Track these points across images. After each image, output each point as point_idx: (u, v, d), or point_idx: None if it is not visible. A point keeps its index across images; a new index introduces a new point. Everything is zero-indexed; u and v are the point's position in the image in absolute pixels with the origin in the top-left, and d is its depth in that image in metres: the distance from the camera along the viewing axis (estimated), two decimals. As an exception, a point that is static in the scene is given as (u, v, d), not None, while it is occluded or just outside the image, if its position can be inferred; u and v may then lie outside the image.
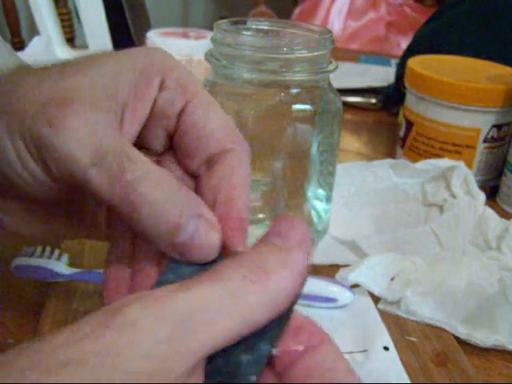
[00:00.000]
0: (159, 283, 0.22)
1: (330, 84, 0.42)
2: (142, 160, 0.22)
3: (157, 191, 0.22)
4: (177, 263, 0.22)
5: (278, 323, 0.20)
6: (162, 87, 0.25)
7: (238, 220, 0.23)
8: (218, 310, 0.18)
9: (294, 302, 0.21)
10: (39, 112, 0.22)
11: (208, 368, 0.19)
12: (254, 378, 0.19)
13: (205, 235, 0.22)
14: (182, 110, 0.25)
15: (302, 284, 0.20)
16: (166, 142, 0.26)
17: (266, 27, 0.43)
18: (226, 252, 0.23)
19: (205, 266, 0.22)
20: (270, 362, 0.20)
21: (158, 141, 0.26)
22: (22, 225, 0.27)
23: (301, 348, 0.20)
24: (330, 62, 0.41)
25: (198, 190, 0.25)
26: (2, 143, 0.22)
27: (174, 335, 0.17)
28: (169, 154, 0.27)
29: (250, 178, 0.25)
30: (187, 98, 0.25)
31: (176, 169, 0.26)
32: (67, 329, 0.17)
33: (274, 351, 0.20)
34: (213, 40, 0.40)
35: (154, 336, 0.17)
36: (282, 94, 0.39)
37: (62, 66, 0.24)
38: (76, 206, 0.27)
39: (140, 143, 0.26)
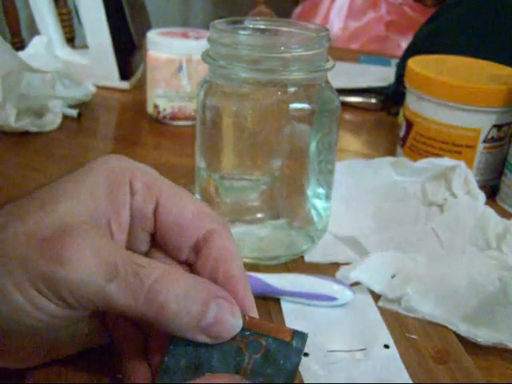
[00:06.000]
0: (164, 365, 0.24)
1: (327, 82, 0.42)
2: (151, 262, 0.23)
3: (179, 286, 0.23)
4: (179, 341, 0.24)
5: None
6: (132, 192, 0.26)
7: (244, 294, 0.25)
8: None
9: None
10: (38, 253, 0.22)
11: None
12: None
13: (228, 313, 0.23)
14: (156, 207, 0.27)
15: None
16: (150, 241, 0.28)
17: (262, 26, 0.43)
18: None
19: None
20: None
21: (143, 242, 0.28)
22: (22, 361, 0.28)
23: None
24: (327, 60, 0.41)
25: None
26: (7, 292, 0.22)
27: None
28: (155, 250, 0.28)
29: (236, 248, 0.27)
30: (156, 195, 0.27)
31: (168, 261, 0.28)
32: None
33: None
34: (209, 40, 0.40)
35: None
36: (280, 92, 0.39)
37: (39, 200, 0.24)
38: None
39: (127, 249, 0.26)
